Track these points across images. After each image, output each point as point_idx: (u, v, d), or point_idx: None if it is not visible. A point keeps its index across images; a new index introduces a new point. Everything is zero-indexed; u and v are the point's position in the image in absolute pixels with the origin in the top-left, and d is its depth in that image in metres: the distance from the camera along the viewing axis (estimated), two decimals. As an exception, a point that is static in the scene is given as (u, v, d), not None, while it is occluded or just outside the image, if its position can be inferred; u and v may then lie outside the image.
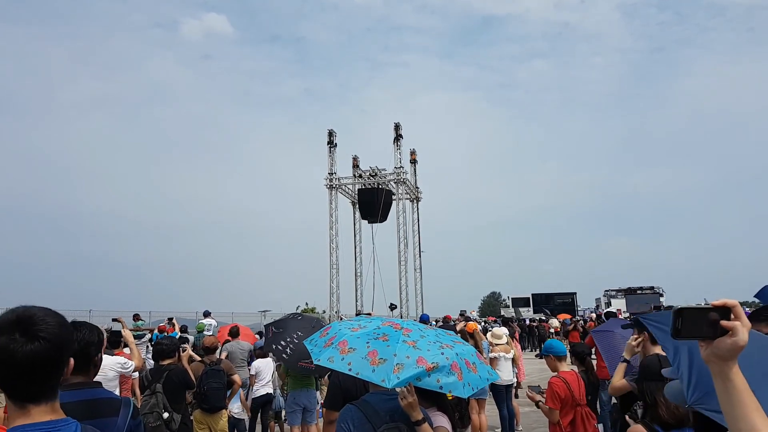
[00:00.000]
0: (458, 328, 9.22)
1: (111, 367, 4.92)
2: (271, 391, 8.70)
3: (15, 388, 1.46)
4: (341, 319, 28.44)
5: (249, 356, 9.89)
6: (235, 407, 8.05)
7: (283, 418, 8.97)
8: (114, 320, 7.44)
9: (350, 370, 2.70)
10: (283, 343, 7.60)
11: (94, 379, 2.64)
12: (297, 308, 31.72)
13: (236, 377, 7.66)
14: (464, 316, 20.21)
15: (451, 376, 2.70)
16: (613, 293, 45.79)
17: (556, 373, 4.94)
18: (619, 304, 39.22)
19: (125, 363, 5.35)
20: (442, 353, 2.78)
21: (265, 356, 8.67)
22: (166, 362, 5.50)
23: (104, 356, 3.64)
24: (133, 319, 15.57)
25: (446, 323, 14.63)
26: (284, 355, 7.33)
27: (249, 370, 9.08)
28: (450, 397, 3.31)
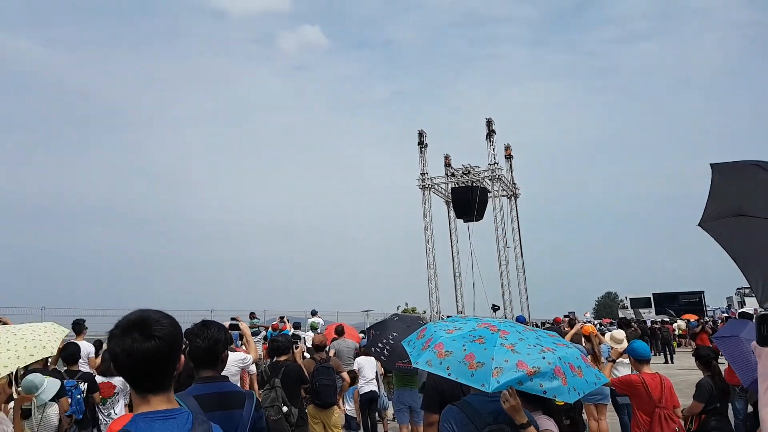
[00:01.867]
0: (571, 331, 8.79)
1: (233, 363, 5.31)
2: (375, 388, 8.87)
3: (137, 380, 1.68)
4: (443, 319, 28.24)
5: (355, 354, 10.17)
6: (350, 405, 8.32)
7: (390, 416, 9.16)
8: (232, 319, 7.98)
9: (450, 374, 2.69)
10: (380, 345, 7.74)
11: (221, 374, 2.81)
12: (397, 308, 31.95)
13: (345, 374, 7.91)
14: (570, 319, 19.20)
15: (555, 381, 2.63)
16: (747, 291, 41.57)
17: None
18: (754, 304, 35.56)
19: (245, 358, 5.76)
20: (543, 357, 2.70)
21: (367, 354, 8.87)
22: (282, 359, 5.78)
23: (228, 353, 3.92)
24: (249, 317, 16.60)
25: (555, 326, 14.03)
26: (382, 357, 7.46)
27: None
28: (560, 403, 3.26)
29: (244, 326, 5.44)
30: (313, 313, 17.89)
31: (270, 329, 14.74)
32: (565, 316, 21.73)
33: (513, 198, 34.62)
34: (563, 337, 4.05)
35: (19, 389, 4.25)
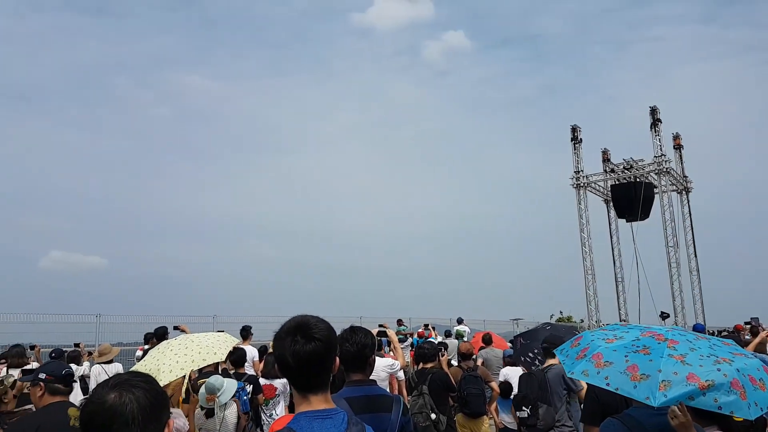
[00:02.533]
0: (755, 341, 7.65)
1: (382, 368, 5.44)
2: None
3: (299, 380, 1.79)
4: (601, 327, 26.01)
5: (503, 364, 9.88)
6: (506, 417, 8.07)
7: None
8: (380, 326, 8.18)
9: (608, 384, 2.52)
10: (531, 354, 7.38)
11: (370, 378, 2.91)
12: (551, 317, 30.43)
13: (494, 384, 7.69)
14: (752, 326, 16.69)
15: (732, 395, 2.35)
16: None
17: None
18: None
19: (393, 364, 5.89)
20: (718, 369, 2.43)
21: (514, 364, 8.54)
22: (428, 366, 5.79)
23: (376, 358, 4.01)
24: (397, 324, 17.05)
25: (734, 334, 12.34)
26: (532, 367, 7.10)
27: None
28: (738, 419, 2.85)
29: (392, 333, 5.55)
30: (459, 321, 17.79)
31: (415, 336, 14.98)
32: (746, 323, 19.02)
33: (684, 193, 31.07)
34: (743, 347, 3.51)
35: (194, 389, 4.70)
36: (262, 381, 6.77)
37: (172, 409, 4.39)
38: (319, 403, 1.78)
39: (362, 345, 2.82)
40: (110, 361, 8.50)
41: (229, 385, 4.93)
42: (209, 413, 4.73)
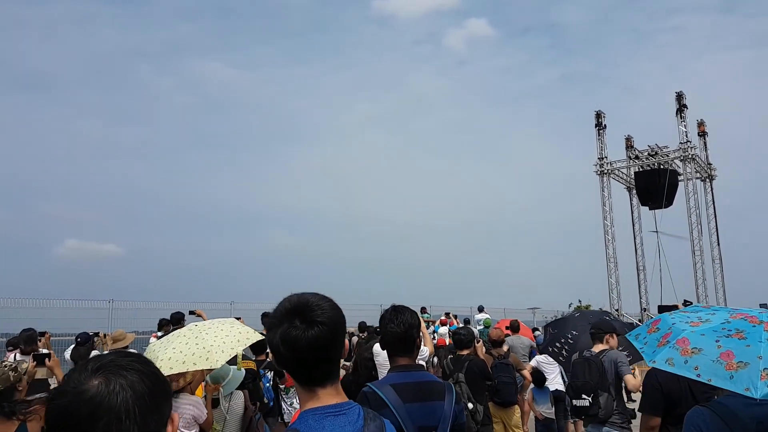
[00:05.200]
0: None
1: (418, 356, 5.13)
2: (561, 387, 8.17)
3: (302, 372, 1.49)
4: (624, 318, 26.09)
5: (529, 351, 9.63)
6: (545, 407, 7.74)
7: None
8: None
9: (699, 375, 2.20)
10: (558, 345, 7.07)
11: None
12: (569, 306, 30.14)
13: (526, 372, 7.38)
14: None
15: None
16: None
17: None
18: None
19: (423, 350, 5.61)
20: None
21: (543, 353, 8.25)
22: (464, 352, 5.50)
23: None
24: (421, 312, 16.84)
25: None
26: (561, 358, 6.79)
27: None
28: None
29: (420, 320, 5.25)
30: (480, 309, 17.67)
31: (437, 324, 14.77)
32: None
33: (708, 180, 30.31)
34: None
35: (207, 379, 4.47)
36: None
37: (191, 397, 4.17)
38: (329, 397, 1.49)
39: (409, 325, 2.56)
40: (125, 348, 8.25)
41: (236, 375, 4.67)
42: (215, 403, 4.49)
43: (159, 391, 1.07)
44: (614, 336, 5.17)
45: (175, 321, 9.00)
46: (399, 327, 2.53)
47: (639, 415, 3.88)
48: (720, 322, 2.40)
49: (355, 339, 11.14)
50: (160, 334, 9.59)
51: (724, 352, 2.20)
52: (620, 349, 5.51)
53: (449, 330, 12.77)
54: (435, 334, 14.04)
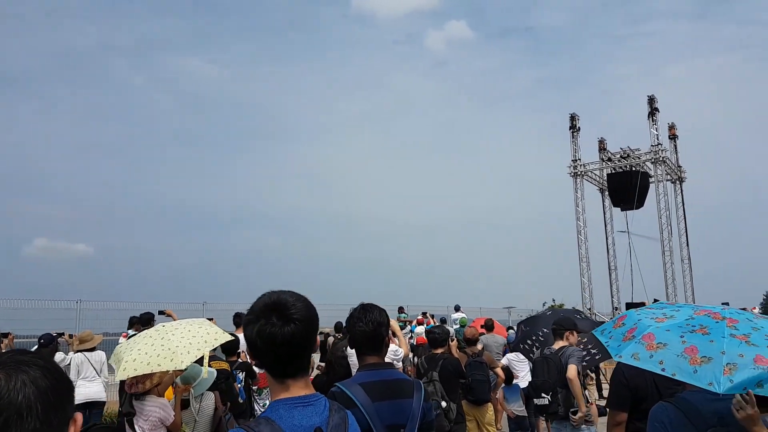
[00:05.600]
0: None
1: (388, 354, 5.11)
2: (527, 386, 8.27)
3: (276, 366, 1.60)
4: (595, 317, 26.59)
5: (503, 350, 9.74)
6: (516, 405, 7.81)
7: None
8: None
9: (663, 370, 2.23)
10: (529, 342, 7.16)
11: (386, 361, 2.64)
12: (543, 305, 30.53)
13: (499, 370, 7.45)
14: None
15: None
16: None
17: None
18: None
19: (396, 350, 5.60)
20: None
21: (514, 350, 8.35)
22: (438, 351, 5.51)
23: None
24: (398, 312, 16.88)
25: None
26: (531, 355, 6.89)
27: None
28: None
29: (393, 322, 5.26)
30: (456, 309, 17.82)
31: (414, 324, 14.83)
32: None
33: (678, 182, 31.04)
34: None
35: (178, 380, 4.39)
36: (257, 370, 6.47)
37: (158, 399, 4.09)
38: (299, 389, 1.61)
39: (378, 323, 2.55)
40: (93, 349, 8.06)
41: (207, 376, 4.60)
42: (185, 404, 4.41)
43: (62, 388, 1.04)
44: (574, 333, 5.18)
45: (145, 321, 8.82)
46: (368, 326, 2.52)
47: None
48: (685, 318, 2.44)
49: (331, 339, 11.08)
50: (131, 332, 9.40)
51: (689, 347, 2.23)
52: (590, 347, 5.58)
53: (426, 329, 12.83)
54: (412, 334, 14.09)
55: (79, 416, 1.07)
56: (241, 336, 8.36)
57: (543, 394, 4.79)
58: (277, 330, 1.54)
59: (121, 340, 9.29)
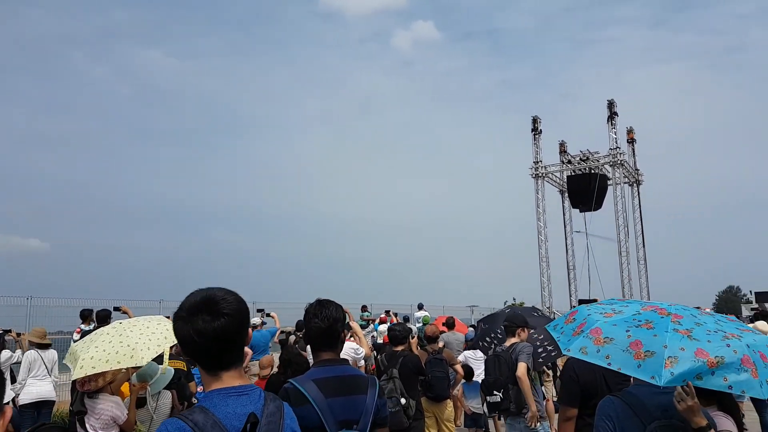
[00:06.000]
0: None
1: (347, 351, 5.13)
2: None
3: (208, 360, 1.63)
4: (554, 315, 27.23)
5: (463, 347, 9.88)
6: (474, 402, 7.91)
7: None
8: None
9: (610, 364, 2.32)
10: (488, 339, 7.27)
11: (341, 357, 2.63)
12: (504, 303, 31.09)
13: (458, 367, 7.54)
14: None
15: (743, 373, 2.20)
16: None
17: None
18: None
19: (358, 349, 5.63)
20: (728, 345, 2.26)
21: (473, 348, 8.48)
22: (398, 348, 5.54)
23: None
24: (361, 310, 16.87)
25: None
26: (490, 352, 7.00)
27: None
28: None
29: (355, 325, 5.29)
30: (420, 307, 17.93)
31: (378, 322, 14.87)
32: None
33: (635, 185, 32.03)
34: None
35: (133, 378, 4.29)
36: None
37: (110, 397, 3.99)
38: (232, 379, 1.64)
39: (334, 319, 2.53)
40: (46, 347, 7.79)
41: (165, 374, 4.52)
42: (141, 402, 4.31)
43: None
44: (526, 330, 5.24)
45: (101, 319, 8.57)
46: (323, 321, 2.51)
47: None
48: (632, 313, 2.53)
49: (292, 338, 11.00)
50: (83, 326, 9.12)
51: (633, 341, 2.31)
52: (546, 344, 5.69)
53: (388, 327, 12.88)
54: (376, 332, 14.12)
55: (8, 409, 1.05)
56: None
57: (495, 392, 4.85)
58: (207, 325, 1.57)
59: (75, 336, 9.02)
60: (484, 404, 7.89)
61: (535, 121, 31.89)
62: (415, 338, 6.24)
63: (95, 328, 6.78)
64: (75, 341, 7.85)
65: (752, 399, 7.31)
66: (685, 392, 2.26)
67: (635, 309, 2.57)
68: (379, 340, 13.23)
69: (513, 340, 5.16)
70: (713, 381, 2.18)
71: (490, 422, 8.46)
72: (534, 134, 31.79)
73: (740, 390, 2.19)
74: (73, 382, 4.76)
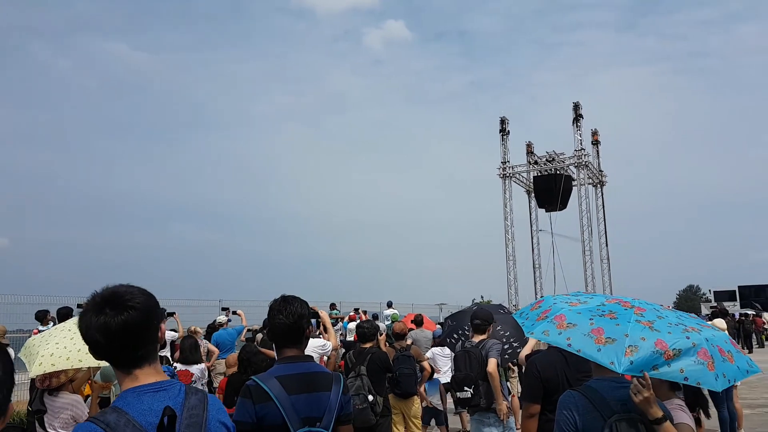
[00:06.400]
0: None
1: (313, 349, 5.13)
2: (449, 381, 8.50)
3: (118, 357, 1.58)
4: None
5: (432, 344, 9.94)
6: (435, 398, 7.99)
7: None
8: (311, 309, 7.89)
9: (569, 345, 2.41)
10: (455, 336, 7.35)
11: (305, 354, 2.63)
12: (472, 301, 31.52)
13: (426, 364, 7.61)
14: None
15: (700, 365, 2.26)
16: None
17: None
18: None
19: (324, 345, 5.62)
20: (687, 337, 2.32)
21: (442, 345, 8.56)
22: (367, 345, 5.57)
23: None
24: (330, 308, 16.86)
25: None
26: (457, 347, 7.06)
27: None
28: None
29: (324, 314, 5.27)
30: (389, 305, 18.03)
31: (347, 320, 14.89)
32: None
33: (599, 186, 32.78)
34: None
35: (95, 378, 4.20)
36: (178, 366, 6.32)
37: (70, 396, 3.90)
38: (147, 376, 1.58)
39: (299, 315, 2.51)
40: (3, 346, 7.53)
41: None
42: (105, 402, 4.23)
43: None
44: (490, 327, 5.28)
45: (62, 316, 8.35)
46: (288, 318, 2.49)
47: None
48: (597, 304, 2.62)
49: (259, 336, 10.91)
50: (41, 327, 8.86)
51: (596, 328, 2.39)
52: (512, 340, 5.80)
53: (356, 325, 12.90)
54: (345, 330, 14.12)
55: (11, 406, 1.01)
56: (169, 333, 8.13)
57: (466, 388, 4.90)
58: (110, 319, 1.52)
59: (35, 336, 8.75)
60: (452, 400, 8.02)
61: (503, 122, 32.35)
62: (384, 335, 6.28)
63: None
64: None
65: (710, 394, 7.62)
66: (642, 384, 2.27)
67: (600, 301, 2.67)
68: (349, 338, 13.24)
69: (481, 336, 5.20)
70: (669, 372, 2.23)
71: (455, 417, 8.58)
72: (502, 135, 32.23)
73: (695, 381, 2.26)
74: (32, 381, 4.64)
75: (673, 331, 2.34)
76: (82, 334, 1.58)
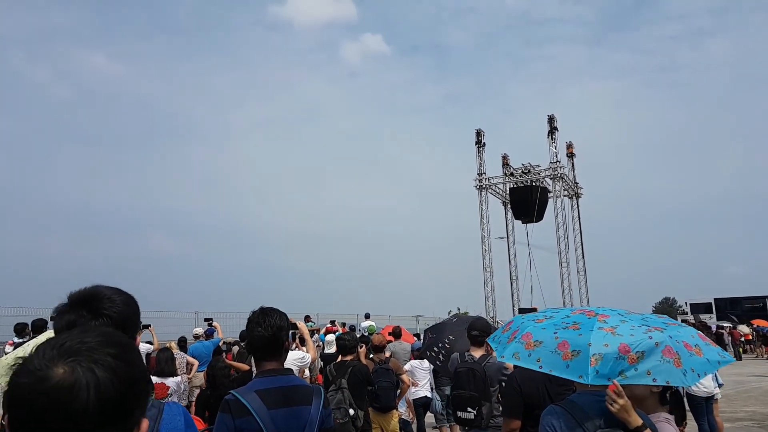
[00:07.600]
0: None
1: (292, 361, 5.06)
2: (428, 393, 8.49)
3: None
4: (497, 324, 27.85)
5: (411, 357, 9.90)
6: (403, 409, 7.96)
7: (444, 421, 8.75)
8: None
9: (540, 367, 2.36)
10: (435, 349, 7.32)
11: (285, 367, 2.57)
12: (449, 313, 31.58)
13: (405, 377, 7.57)
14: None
15: (665, 363, 2.21)
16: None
17: None
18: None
19: (303, 357, 5.56)
20: (650, 337, 2.29)
21: (421, 357, 8.55)
22: (348, 358, 5.50)
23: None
24: (305, 320, 16.68)
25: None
26: (438, 362, 7.01)
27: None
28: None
29: (303, 326, 5.20)
30: (367, 316, 17.94)
31: (322, 332, 14.75)
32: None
33: (575, 198, 33.30)
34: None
35: None
36: (154, 379, 6.18)
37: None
38: None
39: (278, 328, 2.46)
40: None
41: None
42: None
43: (133, 393, 0.89)
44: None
45: (37, 328, 8.11)
46: (267, 330, 2.43)
47: None
48: (562, 317, 2.58)
49: (236, 349, 10.74)
50: (17, 340, 8.58)
51: (561, 342, 2.35)
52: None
53: (336, 336, 12.78)
54: (322, 342, 13.98)
55: (145, 422, 0.92)
56: (140, 346, 7.96)
57: (469, 408, 4.52)
58: (81, 323, 1.44)
59: (8, 349, 8.47)
60: (452, 415, 7.89)
61: (479, 134, 32.73)
62: (364, 348, 6.22)
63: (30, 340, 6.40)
64: (6, 353, 7.38)
65: (691, 407, 7.66)
66: (616, 393, 2.25)
67: (565, 313, 2.63)
68: (328, 350, 13.10)
69: (481, 351, 4.86)
70: (637, 377, 2.20)
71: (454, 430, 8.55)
72: (478, 147, 32.61)
73: (664, 381, 2.23)
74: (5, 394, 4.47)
75: (636, 333, 2.31)
76: (54, 328, 1.51)
